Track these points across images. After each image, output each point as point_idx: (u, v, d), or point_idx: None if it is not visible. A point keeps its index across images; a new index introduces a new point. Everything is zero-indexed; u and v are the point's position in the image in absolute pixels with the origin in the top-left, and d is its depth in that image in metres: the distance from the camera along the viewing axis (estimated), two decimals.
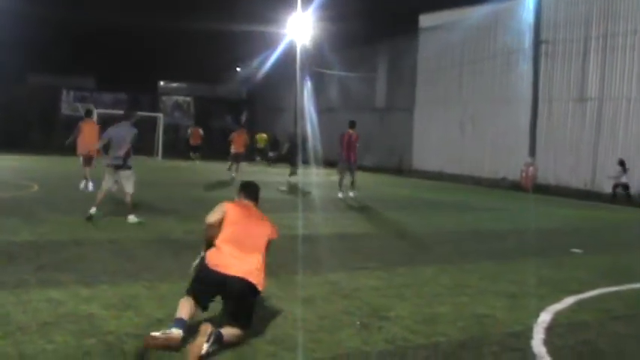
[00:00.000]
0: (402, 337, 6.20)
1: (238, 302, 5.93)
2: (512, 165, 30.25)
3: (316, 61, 43.79)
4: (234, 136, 27.30)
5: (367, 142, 39.09)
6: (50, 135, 41.91)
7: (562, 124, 28.42)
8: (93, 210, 12.90)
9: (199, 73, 53.09)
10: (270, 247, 6.45)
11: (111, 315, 6.38)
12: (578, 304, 7.87)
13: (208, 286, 5.93)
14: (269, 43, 45.28)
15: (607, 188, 25.88)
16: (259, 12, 41.87)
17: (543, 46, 29.05)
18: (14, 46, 42.10)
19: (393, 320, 6.73)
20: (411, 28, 37.67)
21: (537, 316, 7.14)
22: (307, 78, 44.27)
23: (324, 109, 43.40)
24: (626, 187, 24.51)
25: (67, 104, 47.26)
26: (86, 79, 49.96)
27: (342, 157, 21.12)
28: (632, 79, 25.56)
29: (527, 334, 6.47)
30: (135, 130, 13.15)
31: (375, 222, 15.32)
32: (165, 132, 43.98)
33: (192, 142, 40.80)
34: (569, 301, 7.98)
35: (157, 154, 41.33)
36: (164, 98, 52.05)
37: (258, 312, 6.70)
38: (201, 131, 41.15)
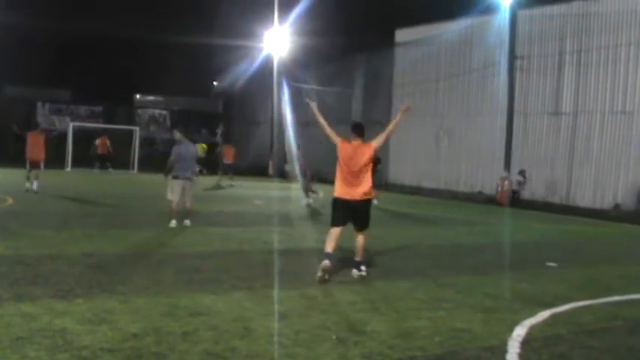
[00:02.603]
0: (379, 351, 6.19)
1: (359, 214, 9.95)
2: (488, 179, 30.44)
3: (293, 74, 43.85)
4: (223, 148, 30.68)
5: None
6: (25, 147, 41.39)
7: (537, 138, 28.67)
8: (173, 223, 14.72)
9: (176, 87, 52.95)
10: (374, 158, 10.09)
11: (85, 329, 6.32)
12: (553, 318, 7.92)
13: (338, 209, 9.94)
14: (246, 56, 45.28)
15: (582, 202, 26.13)
16: (236, 26, 41.97)
17: (518, 61, 29.29)
18: None
19: (369, 335, 6.72)
20: (387, 43, 37.85)
21: (512, 330, 7.18)
22: (284, 91, 44.30)
23: (300, 123, 43.44)
24: (515, 192, 28.42)
25: (43, 117, 46.92)
26: (62, 91, 49.66)
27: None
28: (606, 93, 25.86)
29: (503, 348, 6.50)
30: (196, 147, 15.55)
31: (352, 237, 15.32)
32: (141, 145, 43.72)
33: (99, 151, 38.87)
34: (544, 314, 8.02)
35: (133, 168, 41.12)
36: (140, 111, 51.83)
37: (235, 329, 6.69)
38: (108, 141, 39.29)
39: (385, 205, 23.61)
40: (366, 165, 9.85)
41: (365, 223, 10.02)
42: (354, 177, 9.82)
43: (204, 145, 40.31)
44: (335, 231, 9.83)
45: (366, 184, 9.84)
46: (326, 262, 9.39)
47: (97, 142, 39.09)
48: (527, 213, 24.85)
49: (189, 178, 14.94)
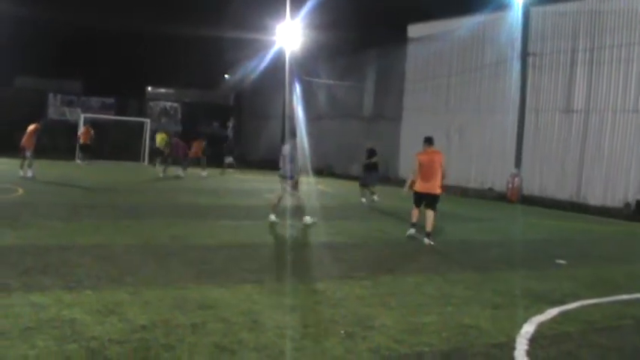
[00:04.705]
0: (387, 346, 6.20)
1: (431, 201, 13.73)
2: (498, 175, 30.33)
3: (304, 68, 43.78)
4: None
5: (354, 151, 39.22)
6: (37, 139, 41.24)
7: (548, 136, 28.53)
8: (273, 217, 15.23)
9: (187, 79, 52.96)
10: (444, 165, 13.93)
11: (94, 320, 6.35)
12: (561, 316, 7.90)
13: (418, 198, 13.92)
14: (258, 50, 45.23)
15: (592, 200, 26.01)
16: (248, 19, 41.89)
17: (531, 58, 29.15)
18: (1, 49, 41.88)
19: (377, 329, 6.72)
20: (399, 38, 37.73)
21: (521, 327, 7.17)
22: (295, 85, 44.25)
23: (312, 117, 43.42)
24: None
25: (55, 108, 47.02)
26: (73, 82, 49.74)
27: None
28: (618, 91, 25.70)
29: (511, 345, 6.49)
30: (296, 149, 15.84)
31: (362, 231, 15.31)
32: (152, 137, 43.68)
33: (82, 141, 36.71)
34: (552, 312, 8.00)
35: (144, 160, 41.18)
36: (151, 104, 51.82)
37: (243, 322, 6.70)
38: (91, 130, 36.88)
39: (395, 200, 23.52)
40: (437, 166, 13.72)
41: (434, 206, 13.81)
42: (429, 176, 13.69)
43: (164, 135, 39.47)
44: (415, 209, 14.18)
45: (436, 181, 13.72)
46: (412, 231, 14.17)
47: (80, 131, 37.61)
48: (537, 210, 24.78)
49: (284, 177, 15.47)
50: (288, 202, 16.04)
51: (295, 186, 15.62)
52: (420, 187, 13.88)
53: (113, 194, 20.53)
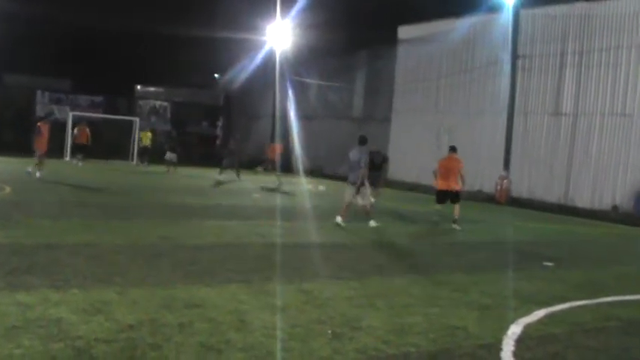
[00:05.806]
0: (374, 347, 6.21)
1: (454, 197, 17.23)
2: (487, 177, 30.40)
3: (295, 69, 43.74)
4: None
5: (343, 152, 39.23)
6: (24, 136, 40.97)
7: (537, 138, 28.63)
8: (339, 219, 15.73)
9: (177, 78, 52.80)
10: (462, 171, 17.35)
11: (80, 320, 6.32)
12: (549, 317, 7.92)
13: (440, 195, 17.48)
14: (248, 50, 45.16)
15: (580, 203, 26.10)
16: (239, 19, 41.80)
17: (520, 61, 29.25)
18: None
19: (364, 330, 6.73)
20: (389, 39, 37.77)
21: (508, 328, 7.18)
22: (286, 86, 44.19)
23: (302, 117, 43.37)
24: None
25: (42, 106, 46.75)
26: (62, 80, 49.45)
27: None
28: (607, 95, 25.81)
29: (497, 346, 6.50)
30: (365, 155, 16.00)
31: (350, 232, 15.30)
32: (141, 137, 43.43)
33: (77, 141, 36.14)
34: (539, 313, 8.03)
35: (132, 159, 41.02)
36: (141, 102, 51.61)
37: (230, 322, 6.69)
38: (88, 130, 36.28)
39: (384, 201, 23.53)
40: (455, 169, 17.15)
41: (457, 200, 17.21)
42: (448, 176, 17.15)
43: (148, 134, 38.92)
44: (439, 205, 17.51)
45: (455, 180, 17.18)
46: (435, 218, 17.46)
47: (76, 130, 36.83)
48: (525, 212, 24.86)
49: (353, 183, 15.94)
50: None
51: (365, 191, 16.20)
52: (441, 185, 17.32)
53: (101, 193, 20.46)
